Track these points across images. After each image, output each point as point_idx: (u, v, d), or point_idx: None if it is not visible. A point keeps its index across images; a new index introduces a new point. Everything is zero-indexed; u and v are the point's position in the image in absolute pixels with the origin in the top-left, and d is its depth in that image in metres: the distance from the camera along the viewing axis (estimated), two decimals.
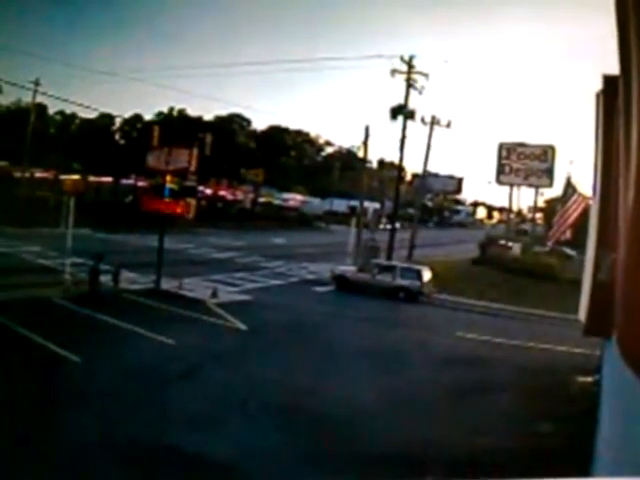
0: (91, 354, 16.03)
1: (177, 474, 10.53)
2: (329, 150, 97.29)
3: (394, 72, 38.20)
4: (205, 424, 12.47)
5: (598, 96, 9.08)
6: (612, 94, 7.35)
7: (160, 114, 76.09)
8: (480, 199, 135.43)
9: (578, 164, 55.45)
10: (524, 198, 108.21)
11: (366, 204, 44.07)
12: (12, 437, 10.87)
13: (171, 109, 77.88)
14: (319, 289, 31.01)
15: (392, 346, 20.86)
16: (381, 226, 50.66)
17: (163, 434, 11.76)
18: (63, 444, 10.94)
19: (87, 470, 10.20)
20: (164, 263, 25.90)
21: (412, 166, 66.72)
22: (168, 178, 25.80)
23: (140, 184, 50.02)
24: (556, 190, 47.63)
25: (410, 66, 38.33)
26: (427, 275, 30.58)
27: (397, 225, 40.58)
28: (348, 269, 32.83)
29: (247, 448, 11.48)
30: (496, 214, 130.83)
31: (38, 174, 55.80)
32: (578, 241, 35.04)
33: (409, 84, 38.42)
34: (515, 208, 58.01)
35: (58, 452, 10.65)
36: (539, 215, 64.86)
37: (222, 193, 69.72)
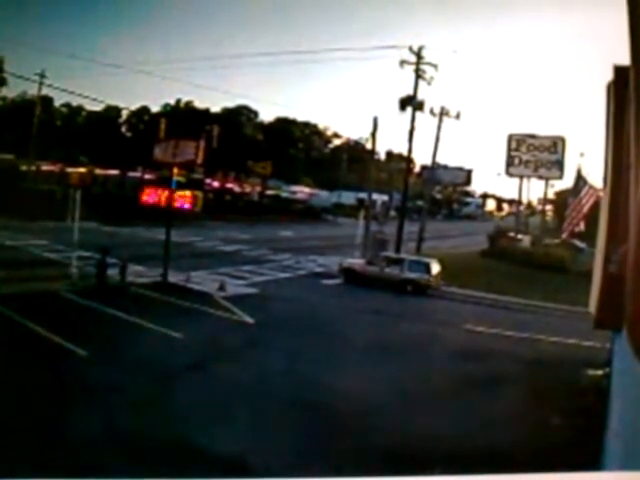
0: (98, 348, 16.04)
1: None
2: (337, 142, 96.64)
3: (403, 63, 37.95)
4: (209, 420, 12.48)
5: (609, 87, 8.97)
6: (623, 85, 7.25)
7: (167, 106, 75.82)
8: (490, 191, 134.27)
9: (589, 156, 54.98)
10: (534, 190, 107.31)
11: (374, 196, 43.87)
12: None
13: (178, 101, 77.54)
14: (327, 282, 30.90)
15: (400, 339, 20.77)
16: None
17: (168, 427, 11.78)
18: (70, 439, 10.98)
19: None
20: (171, 256, 25.88)
21: (421, 158, 66.30)
22: (175, 171, 25.77)
23: (147, 177, 49.93)
24: (566, 182, 47.30)
25: (419, 57, 38.07)
26: (435, 268, 30.43)
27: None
28: (356, 262, 32.70)
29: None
30: (506, 206, 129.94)
31: (44, 167, 55.74)
32: (588, 233, 34.83)
33: (418, 75, 38.19)
34: (525, 200, 57.55)
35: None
36: (549, 207, 64.46)
37: (229, 186, 69.56)
